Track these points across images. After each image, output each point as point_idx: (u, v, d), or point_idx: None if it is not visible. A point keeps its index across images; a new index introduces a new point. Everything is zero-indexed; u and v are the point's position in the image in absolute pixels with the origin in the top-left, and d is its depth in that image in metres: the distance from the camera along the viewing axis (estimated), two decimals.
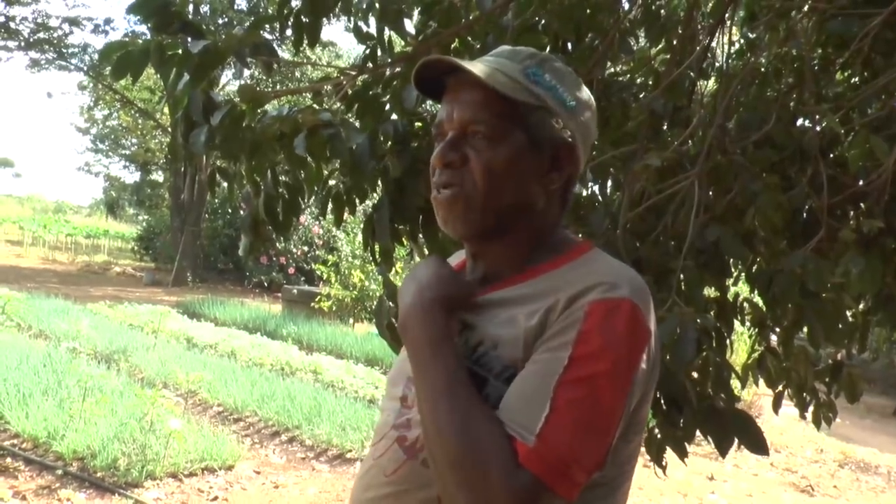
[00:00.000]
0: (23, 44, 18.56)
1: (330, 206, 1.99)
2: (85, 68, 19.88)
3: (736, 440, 1.62)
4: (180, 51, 1.75)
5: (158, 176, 29.69)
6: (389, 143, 1.87)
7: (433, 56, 1.07)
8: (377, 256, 1.97)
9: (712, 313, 2.01)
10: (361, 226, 2.06)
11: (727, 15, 2.35)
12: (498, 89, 1.00)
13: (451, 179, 1.03)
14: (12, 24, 17.98)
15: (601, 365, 0.90)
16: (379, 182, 1.89)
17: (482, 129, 1.02)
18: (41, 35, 18.61)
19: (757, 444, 1.56)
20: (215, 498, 4.40)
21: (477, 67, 1.01)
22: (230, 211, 18.85)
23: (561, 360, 0.90)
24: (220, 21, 17.25)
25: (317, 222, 17.69)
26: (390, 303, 1.91)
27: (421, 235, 1.94)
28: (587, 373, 0.90)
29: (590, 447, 0.89)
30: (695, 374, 1.77)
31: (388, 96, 2.05)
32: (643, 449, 1.41)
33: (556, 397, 0.88)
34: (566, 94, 1.06)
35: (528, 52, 1.07)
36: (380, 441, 1.09)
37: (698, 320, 1.55)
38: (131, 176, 34.55)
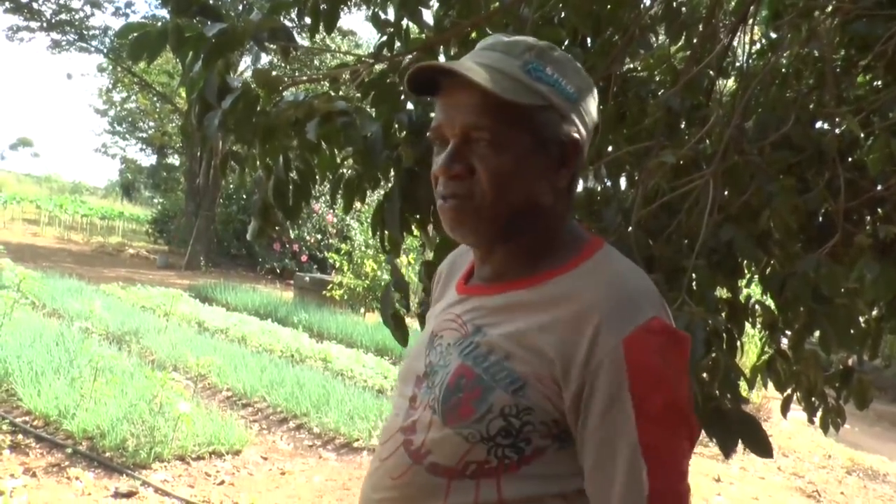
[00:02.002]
0: (44, 25, 18.71)
1: (340, 192, 1.99)
2: (105, 50, 20.01)
3: (740, 442, 1.61)
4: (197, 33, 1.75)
5: (174, 160, 29.89)
6: (404, 132, 1.86)
7: (427, 62, 1.03)
8: (386, 245, 1.97)
9: (723, 314, 2.00)
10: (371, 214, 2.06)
11: (749, 14, 2.32)
12: (500, 95, 0.94)
13: (458, 190, 0.99)
14: (35, 5, 18.11)
15: (663, 395, 0.91)
16: (391, 171, 1.89)
17: (486, 135, 0.97)
18: (63, 16, 18.75)
19: (761, 446, 1.55)
20: (222, 482, 4.43)
21: (475, 71, 0.96)
22: (244, 196, 18.93)
23: (629, 418, 0.89)
24: (242, 6, 17.27)
25: (331, 210, 17.73)
26: (396, 292, 1.92)
27: (431, 226, 1.94)
28: (657, 412, 0.90)
29: (683, 466, 0.94)
30: (703, 375, 1.75)
31: (403, 85, 2.04)
32: None
33: (648, 456, 0.89)
34: (569, 86, 1.01)
35: (526, 45, 1.01)
36: (387, 442, 1.07)
37: (709, 321, 1.54)
38: (147, 159, 34.80)
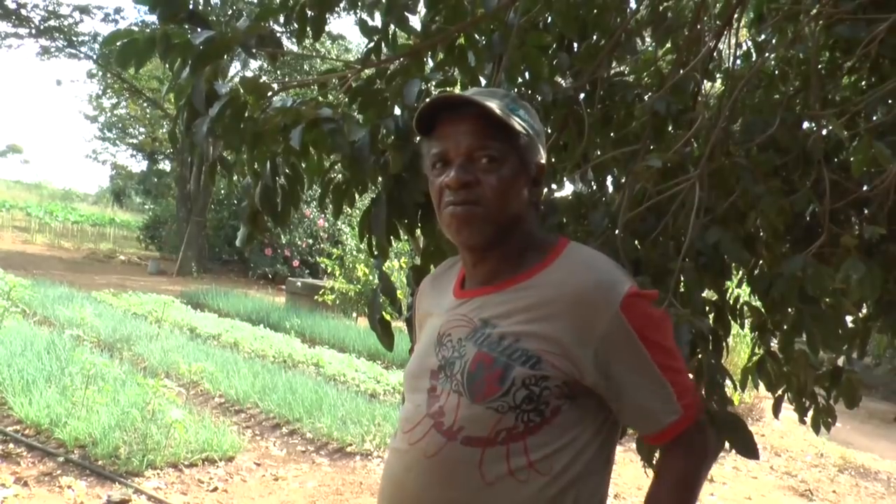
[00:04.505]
0: (33, 31, 18.62)
1: (329, 197, 1.99)
2: (94, 57, 19.92)
3: (727, 443, 1.62)
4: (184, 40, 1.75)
5: (165, 165, 29.69)
6: (391, 137, 1.87)
7: (449, 94, 1.33)
8: (373, 249, 1.97)
9: (710, 316, 2.00)
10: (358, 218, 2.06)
11: (734, 17, 2.34)
12: (504, 120, 1.21)
13: (469, 197, 1.22)
14: (23, 12, 18.03)
15: (660, 335, 1.22)
16: (379, 176, 1.89)
17: (490, 153, 1.22)
18: (52, 23, 18.66)
19: (747, 447, 1.56)
20: (215, 489, 4.42)
21: (489, 102, 1.21)
22: (235, 202, 18.88)
23: (645, 357, 1.19)
24: (231, 11, 17.24)
25: (322, 215, 17.71)
26: (384, 297, 1.92)
27: (419, 231, 1.94)
28: (660, 342, 1.21)
29: (684, 366, 1.27)
30: (689, 376, 1.76)
31: (390, 91, 2.05)
32: (634, 447, 1.43)
33: (664, 374, 1.20)
34: (535, 124, 1.31)
35: (503, 93, 1.31)
36: (414, 428, 1.26)
37: (694, 323, 1.55)
38: (138, 165, 34.61)
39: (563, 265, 1.25)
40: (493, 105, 1.21)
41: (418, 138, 1.91)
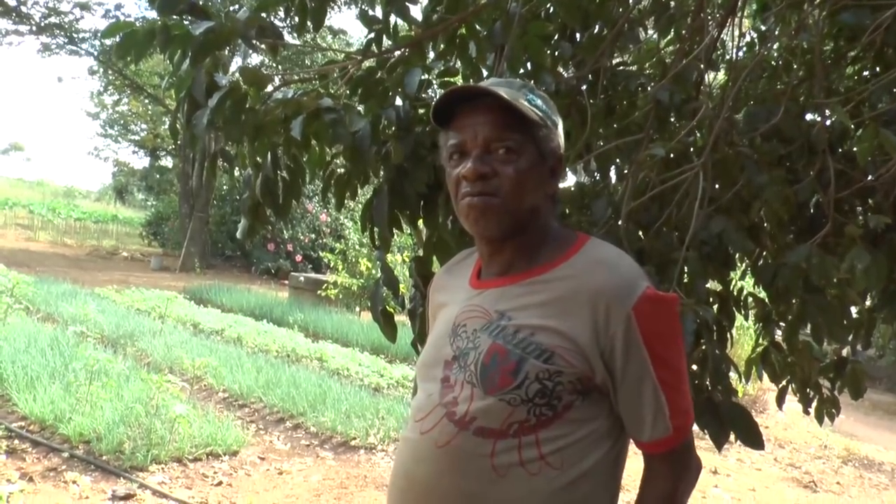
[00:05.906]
0: (34, 28, 18.59)
1: (331, 190, 1.99)
2: (95, 53, 19.89)
3: (732, 434, 1.61)
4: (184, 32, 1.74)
5: (167, 162, 29.70)
6: (392, 128, 1.86)
7: (467, 85, 1.32)
8: (375, 241, 1.97)
9: (714, 306, 2.00)
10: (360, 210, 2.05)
11: (738, 6, 2.32)
12: (523, 111, 1.20)
13: (486, 188, 1.21)
14: (24, 9, 18.01)
15: (668, 350, 1.19)
16: (381, 167, 1.88)
17: (507, 144, 1.21)
18: (52, 19, 18.63)
19: (752, 437, 1.55)
20: (219, 483, 4.42)
21: (503, 92, 1.20)
22: (238, 197, 18.87)
23: (647, 366, 1.17)
24: (234, 6, 17.20)
25: (325, 210, 17.70)
26: (386, 289, 1.91)
27: (421, 221, 1.94)
28: (665, 355, 1.19)
29: (689, 396, 1.24)
30: (693, 367, 1.75)
31: (391, 81, 2.04)
32: None
33: (664, 389, 1.18)
34: (553, 115, 1.29)
35: (520, 83, 1.29)
36: (426, 417, 1.25)
37: (699, 312, 1.54)
38: (140, 161, 34.56)
39: (583, 261, 1.23)
40: (511, 95, 1.20)
41: (419, 129, 1.91)
